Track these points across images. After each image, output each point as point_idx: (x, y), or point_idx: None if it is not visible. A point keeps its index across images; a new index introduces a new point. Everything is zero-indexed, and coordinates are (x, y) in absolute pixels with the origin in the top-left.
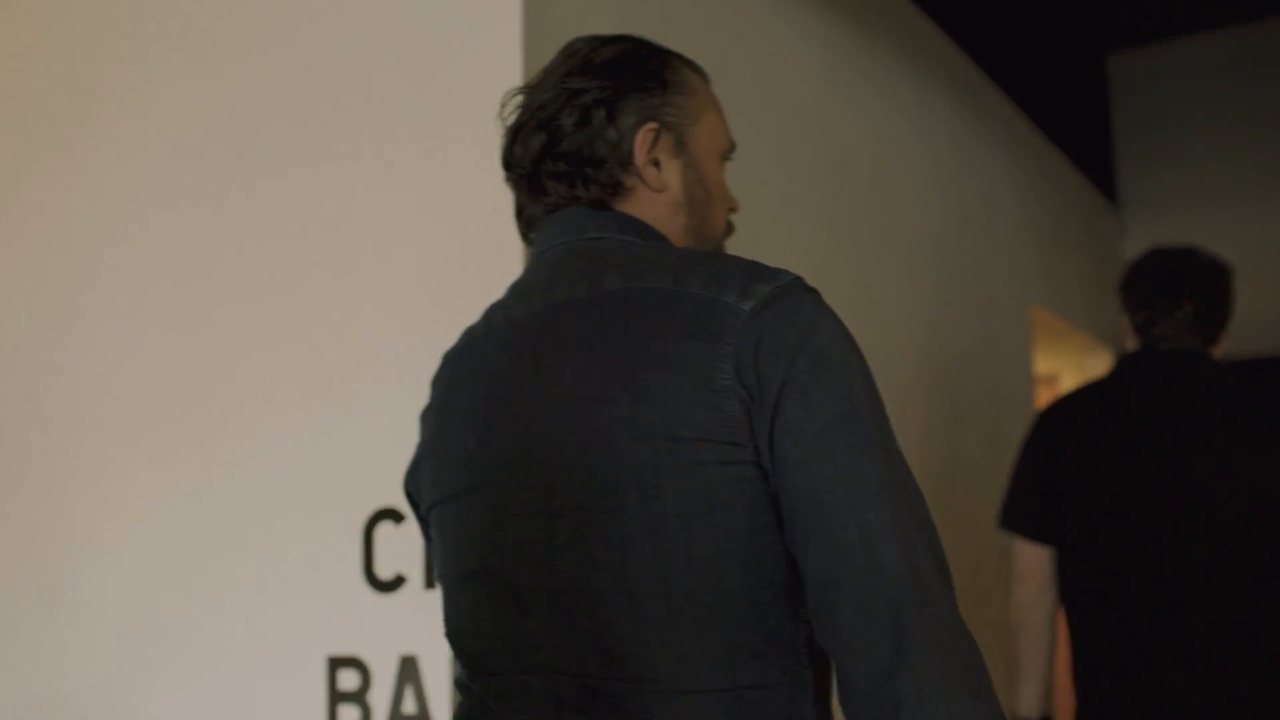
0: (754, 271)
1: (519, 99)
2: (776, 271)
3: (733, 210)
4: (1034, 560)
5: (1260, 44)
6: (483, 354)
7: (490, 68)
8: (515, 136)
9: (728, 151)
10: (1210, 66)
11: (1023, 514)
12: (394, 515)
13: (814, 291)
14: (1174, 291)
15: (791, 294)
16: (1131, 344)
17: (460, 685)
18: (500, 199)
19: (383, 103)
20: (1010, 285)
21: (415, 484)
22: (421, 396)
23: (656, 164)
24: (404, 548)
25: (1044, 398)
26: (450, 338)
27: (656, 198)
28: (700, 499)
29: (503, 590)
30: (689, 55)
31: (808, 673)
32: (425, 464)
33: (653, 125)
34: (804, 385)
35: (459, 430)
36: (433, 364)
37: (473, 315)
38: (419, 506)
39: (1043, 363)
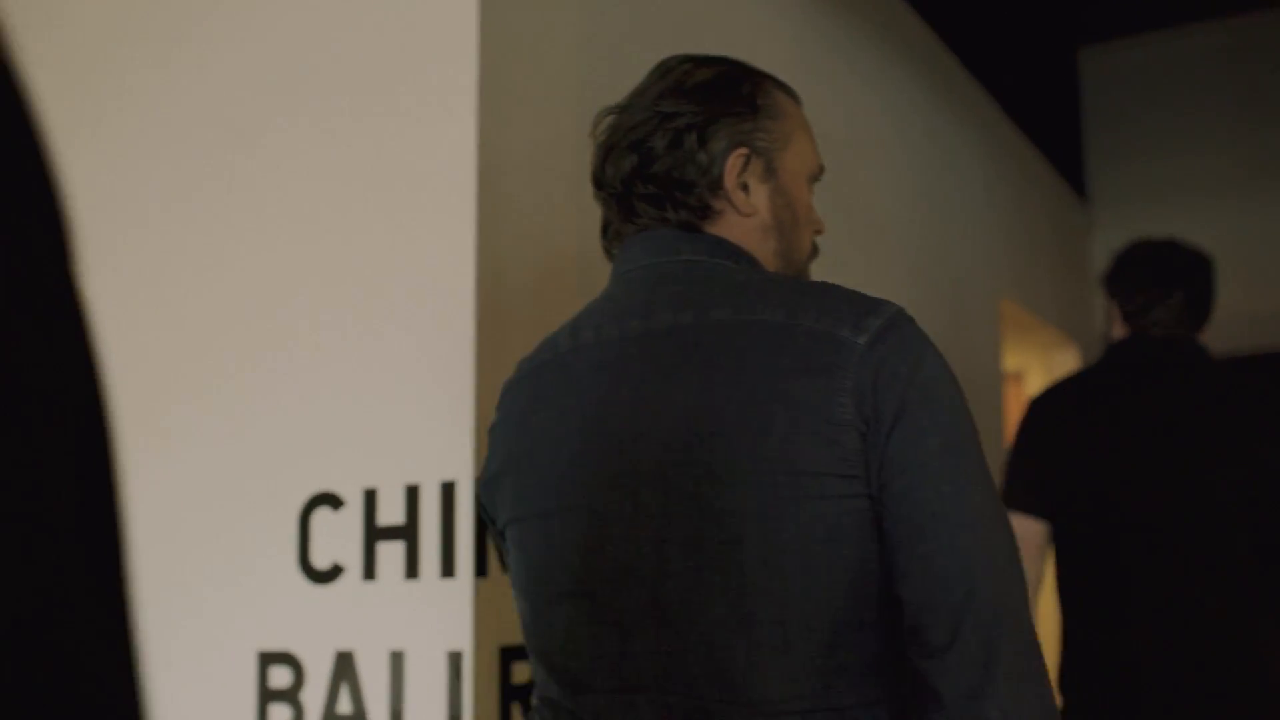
0: (861, 303)
1: (610, 119)
2: (880, 302)
3: (818, 233)
4: (1023, 531)
5: (1230, 39)
6: (571, 372)
7: (445, 39)
8: (606, 156)
9: (816, 175)
10: (1180, 61)
11: (1018, 493)
12: (332, 500)
13: (914, 321)
14: (1165, 279)
15: (900, 326)
16: (1119, 332)
17: (547, 701)
18: (449, 182)
19: (338, 90)
20: (980, 277)
21: (491, 497)
22: (362, 374)
23: (745, 188)
24: (342, 536)
25: (1011, 395)
26: (393, 318)
27: (745, 221)
28: (818, 530)
29: (603, 611)
30: (654, 29)
31: (904, 689)
32: (506, 479)
33: (743, 150)
34: (914, 416)
35: (548, 448)
36: (374, 340)
37: (419, 297)
38: (495, 520)
39: (1009, 359)
